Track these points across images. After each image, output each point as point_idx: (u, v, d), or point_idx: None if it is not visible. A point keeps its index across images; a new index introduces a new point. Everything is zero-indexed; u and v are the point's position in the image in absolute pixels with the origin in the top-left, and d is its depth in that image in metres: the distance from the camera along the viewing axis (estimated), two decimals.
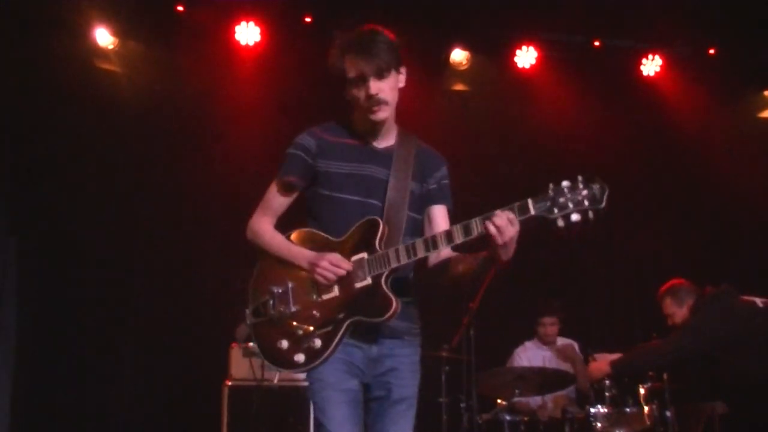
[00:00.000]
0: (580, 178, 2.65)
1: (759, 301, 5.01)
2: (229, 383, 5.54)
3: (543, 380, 5.57)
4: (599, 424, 5.10)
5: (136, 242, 6.53)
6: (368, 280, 2.84)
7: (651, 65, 7.47)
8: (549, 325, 6.51)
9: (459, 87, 7.53)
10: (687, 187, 7.46)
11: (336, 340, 2.84)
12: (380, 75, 2.91)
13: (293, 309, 2.88)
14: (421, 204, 3.08)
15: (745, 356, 4.79)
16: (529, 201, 2.67)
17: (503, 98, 7.40)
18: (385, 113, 2.96)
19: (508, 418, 5.32)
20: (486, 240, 2.69)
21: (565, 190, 2.64)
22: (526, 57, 7.31)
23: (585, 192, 2.63)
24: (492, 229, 2.65)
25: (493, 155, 7.15)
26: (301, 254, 2.93)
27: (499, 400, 5.62)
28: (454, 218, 2.99)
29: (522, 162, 7.01)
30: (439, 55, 7.28)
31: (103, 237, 6.44)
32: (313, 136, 3.05)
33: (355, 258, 2.87)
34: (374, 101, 2.92)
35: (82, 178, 6.49)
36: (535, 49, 7.29)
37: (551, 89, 7.37)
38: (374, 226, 2.89)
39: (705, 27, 6.93)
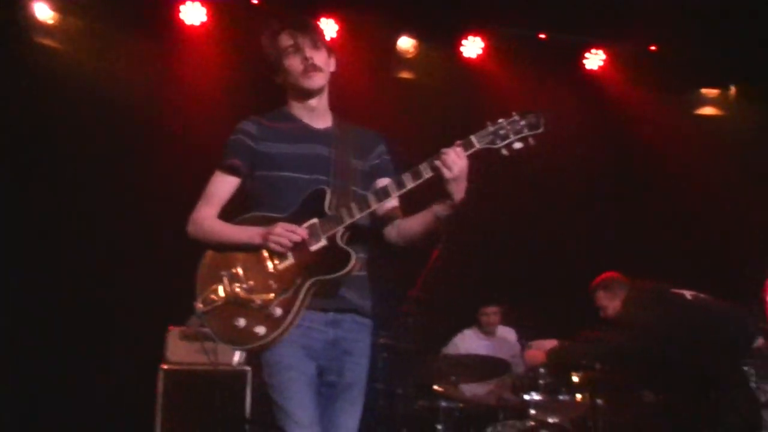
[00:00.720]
0: (513, 112, 2.81)
1: (688, 294, 5.15)
2: (165, 367, 5.48)
3: (479, 368, 5.65)
4: (533, 412, 5.19)
5: (74, 221, 6.40)
6: (323, 241, 2.86)
7: (594, 59, 7.58)
8: (492, 314, 6.60)
9: (406, 75, 7.54)
10: (627, 180, 7.60)
11: (296, 305, 2.82)
12: (315, 45, 3.04)
13: (246, 285, 2.86)
14: (366, 180, 3.11)
15: (674, 347, 4.92)
16: (472, 137, 2.81)
17: (450, 87, 7.43)
18: (320, 80, 3.05)
19: (444, 404, 5.38)
20: (438, 181, 2.80)
21: (504, 122, 2.80)
22: (472, 47, 7.35)
23: (523, 122, 2.79)
24: (440, 164, 2.76)
25: (438, 143, 7.17)
26: (251, 231, 2.92)
27: (435, 387, 5.69)
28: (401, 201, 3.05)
29: None
30: (387, 43, 7.29)
31: (39, 216, 6.31)
32: (253, 122, 3.09)
33: (306, 225, 2.88)
34: (309, 65, 3.00)
35: (18, 156, 6.34)
36: (482, 39, 7.33)
37: (497, 79, 7.43)
38: (321, 194, 2.92)
39: (647, 24, 7.05)
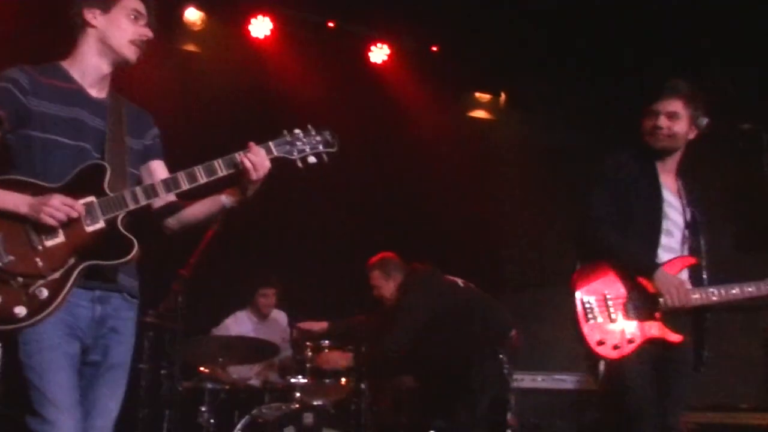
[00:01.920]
0: (309, 126, 2.92)
1: (460, 282, 5.43)
2: None
3: (247, 350, 5.63)
4: (298, 394, 5.23)
5: None
6: (101, 224, 2.70)
7: (379, 53, 7.73)
8: (270, 295, 6.58)
9: (191, 47, 7.31)
10: (402, 171, 7.85)
11: (66, 287, 2.63)
12: (152, 30, 2.98)
13: (6, 259, 2.60)
14: (138, 160, 2.99)
15: (440, 334, 5.15)
16: (270, 143, 2.86)
17: (235, 65, 7.30)
18: (137, 57, 2.95)
19: (209, 386, 5.30)
20: (238, 177, 2.83)
21: (301, 135, 2.90)
22: (260, 27, 7.25)
23: (318, 138, 2.92)
24: (248, 164, 2.79)
25: (220, 120, 7.03)
26: (15, 198, 2.66)
27: (201, 369, 5.60)
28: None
29: (249, 131, 6.96)
30: (173, 12, 7.00)
31: None
32: (24, 72, 2.82)
33: (83, 201, 2.69)
34: (143, 39, 2.94)
35: None
36: (271, 20, 7.26)
37: (284, 63, 7.39)
38: (100, 169, 2.76)
39: (431, 25, 7.32)
